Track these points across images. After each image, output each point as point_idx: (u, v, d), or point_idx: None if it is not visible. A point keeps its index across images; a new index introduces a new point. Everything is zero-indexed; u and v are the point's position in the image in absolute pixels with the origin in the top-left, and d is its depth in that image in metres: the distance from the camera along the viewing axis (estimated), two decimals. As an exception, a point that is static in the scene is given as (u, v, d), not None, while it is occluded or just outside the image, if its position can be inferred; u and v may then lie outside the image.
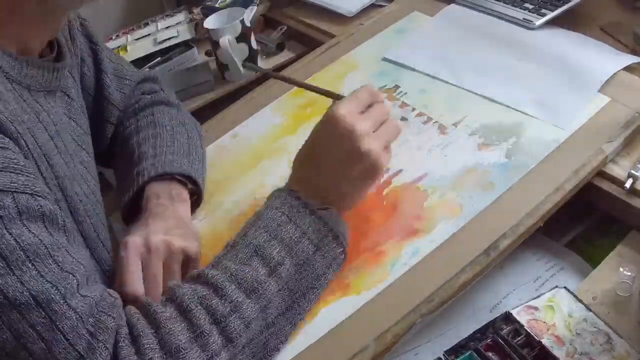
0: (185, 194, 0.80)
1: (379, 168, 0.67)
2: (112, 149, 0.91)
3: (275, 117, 0.96)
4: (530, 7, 1.00)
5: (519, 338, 0.66)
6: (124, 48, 1.32)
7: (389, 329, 0.63)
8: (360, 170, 0.66)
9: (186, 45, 1.30)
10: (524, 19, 0.99)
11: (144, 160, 0.81)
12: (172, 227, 0.73)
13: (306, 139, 0.70)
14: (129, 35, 1.38)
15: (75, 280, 0.55)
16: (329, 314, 0.66)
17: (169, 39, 1.31)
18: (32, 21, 0.64)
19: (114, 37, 1.39)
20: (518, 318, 0.67)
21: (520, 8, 1.01)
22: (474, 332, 0.68)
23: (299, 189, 0.68)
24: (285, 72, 1.06)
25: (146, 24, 1.41)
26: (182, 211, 0.78)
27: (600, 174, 0.76)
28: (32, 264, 0.52)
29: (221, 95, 1.18)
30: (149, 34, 1.36)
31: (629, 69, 0.86)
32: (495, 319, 0.68)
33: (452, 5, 1.08)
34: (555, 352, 0.63)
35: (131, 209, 0.80)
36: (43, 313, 0.52)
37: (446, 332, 0.70)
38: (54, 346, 0.52)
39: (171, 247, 0.70)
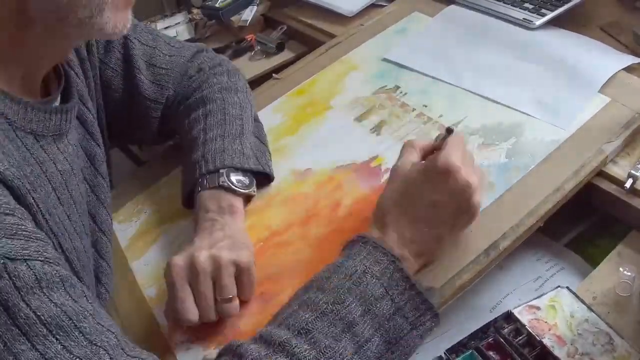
0: (237, 204, 0.76)
1: (476, 217, 0.65)
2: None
3: (276, 117, 0.96)
4: (530, 7, 1.00)
5: (520, 337, 0.66)
6: (124, 48, 1.32)
7: (389, 329, 0.63)
8: (464, 221, 0.65)
9: (186, 45, 1.29)
10: (523, 19, 0.99)
11: (195, 149, 0.79)
12: (218, 239, 0.70)
13: (401, 184, 0.65)
14: (128, 36, 1.37)
15: (107, 355, 0.50)
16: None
17: (169, 39, 1.31)
18: (38, 52, 0.60)
19: (113, 37, 1.39)
20: (519, 317, 0.67)
21: (520, 8, 1.01)
22: (475, 331, 0.68)
23: (401, 253, 0.62)
24: (286, 72, 1.07)
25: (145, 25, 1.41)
26: (232, 224, 0.74)
27: (600, 174, 0.76)
28: (56, 338, 0.48)
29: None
30: (148, 34, 1.36)
31: (629, 69, 0.86)
32: (497, 318, 0.69)
33: (452, 5, 1.08)
34: (557, 352, 0.63)
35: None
36: None
37: (447, 332, 0.70)
38: None
39: (219, 261, 0.66)
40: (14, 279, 0.47)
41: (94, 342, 0.49)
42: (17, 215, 0.50)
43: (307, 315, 0.57)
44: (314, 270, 0.70)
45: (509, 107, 0.84)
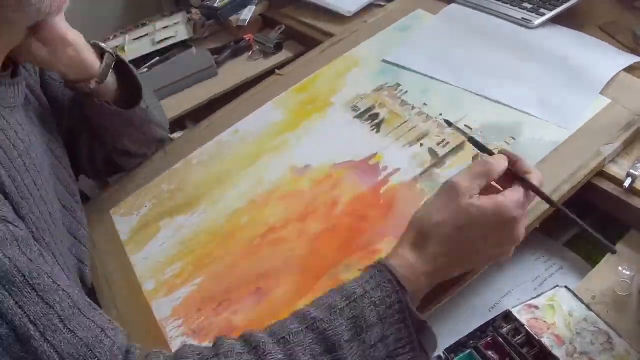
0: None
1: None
2: None
3: (276, 113, 0.96)
4: (529, 6, 1.00)
5: (519, 337, 0.66)
6: (122, 48, 1.32)
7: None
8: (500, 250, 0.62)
9: (185, 45, 1.30)
10: (522, 18, 0.99)
11: None
12: None
13: (457, 218, 0.59)
14: (126, 35, 1.38)
15: (56, 315, 0.50)
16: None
17: (167, 38, 1.31)
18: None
19: (111, 37, 1.39)
20: (518, 317, 0.67)
21: (519, 7, 1.00)
22: (474, 331, 0.68)
23: (419, 270, 0.59)
24: (287, 69, 1.07)
25: (144, 24, 1.41)
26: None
27: (599, 173, 0.75)
28: (8, 292, 0.49)
29: (223, 90, 1.17)
30: (146, 34, 1.36)
31: (629, 69, 0.86)
32: (495, 317, 0.68)
33: (452, 5, 1.08)
34: (555, 351, 0.63)
35: None
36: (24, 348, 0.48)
37: (446, 331, 0.69)
38: None
39: None
40: None
41: (46, 300, 0.50)
42: None
43: (292, 326, 0.54)
44: (311, 267, 0.70)
45: (509, 106, 0.84)
